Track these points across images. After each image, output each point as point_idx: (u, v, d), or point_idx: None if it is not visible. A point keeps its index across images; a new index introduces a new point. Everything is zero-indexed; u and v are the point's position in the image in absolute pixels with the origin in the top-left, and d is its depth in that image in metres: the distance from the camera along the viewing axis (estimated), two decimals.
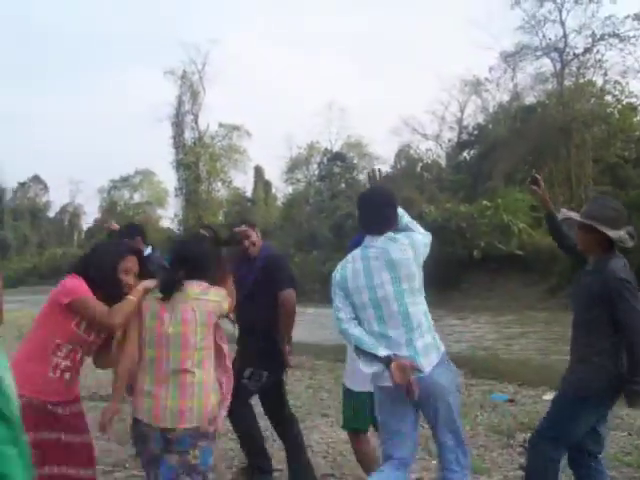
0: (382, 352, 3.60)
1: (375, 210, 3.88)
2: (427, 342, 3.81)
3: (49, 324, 3.45)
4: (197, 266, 3.52)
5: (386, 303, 3.72)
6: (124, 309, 3.43)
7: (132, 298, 3.45)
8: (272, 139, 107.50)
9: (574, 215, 4.11)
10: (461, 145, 52.24)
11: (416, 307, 3.81)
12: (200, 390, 3.40)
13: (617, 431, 7.11)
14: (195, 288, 3.48)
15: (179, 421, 3.34)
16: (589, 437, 4.04)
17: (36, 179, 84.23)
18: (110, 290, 3.51)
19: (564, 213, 4.28)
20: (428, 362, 3.72)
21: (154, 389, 3.38)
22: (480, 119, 53.06)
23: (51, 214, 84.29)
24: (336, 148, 61.07)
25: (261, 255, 5.17)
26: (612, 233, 3.81)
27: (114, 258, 3.59)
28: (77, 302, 3.42)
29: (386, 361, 3.56)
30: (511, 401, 9.20)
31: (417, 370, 3.61)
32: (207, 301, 3.47)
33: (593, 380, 3.84)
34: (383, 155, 60.44)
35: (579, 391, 3.91)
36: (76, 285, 3.45)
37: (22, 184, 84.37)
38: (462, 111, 54.47)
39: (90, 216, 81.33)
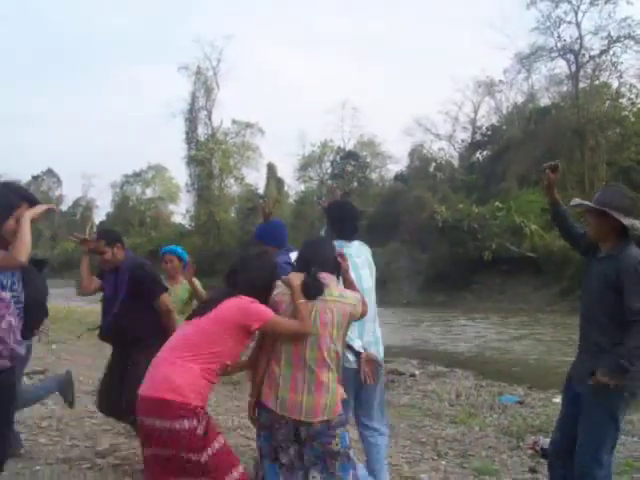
0: (357, 346, 4.06)
1: (353, 220, 4.45)
2: (378, 333, 4.35)
3: (228, 343, 3.41)
4: (327, 266, 3.60)
5: (369, 294, 4.19)
6: (306, 315, 3.42)
7: (304, 302, 3.44)
8: (285, 137, 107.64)
9: (586, 202, 4.04)
10: (474, 146, 52.05)
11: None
12: (333, 387, 3.46)
13: (627, 436, 7.09)
14: (335, 290, 3.53)
15: (314, 415, 3.41)
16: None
17: (50, 173, 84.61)
18: (264, 300, 3.54)
19: (575, 201, 4.21)
20: (380, 350, 4.31)
21: (290, 384, 3.42)
22: (494, 120, 52.90)
23: (64, 208, 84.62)
24: (349, 147, 61.09)
25: (124, 268, 5.13)
26: (625, 220, 3.74)
27: (272, 271, 3.67)
28: (268, 325, 3.44)
29: (357, 354, 4.04)
30: (520, 403, 9.18)
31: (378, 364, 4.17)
32: (345, 304, 3.50)
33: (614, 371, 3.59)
34: (396, 154, 60.44)
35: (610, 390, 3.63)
36: (260, 308, 3.45)
37: (35, 177, 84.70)
38: (476, 112, 54.33)
39: (102, 210, 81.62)
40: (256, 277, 3.55)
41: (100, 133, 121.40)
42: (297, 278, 3.51)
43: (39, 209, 3.69)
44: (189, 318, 3.54)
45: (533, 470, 5.68)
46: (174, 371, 3.25)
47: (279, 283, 3.58)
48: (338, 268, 3.69)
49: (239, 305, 3.43)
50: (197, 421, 3.19)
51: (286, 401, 3.40)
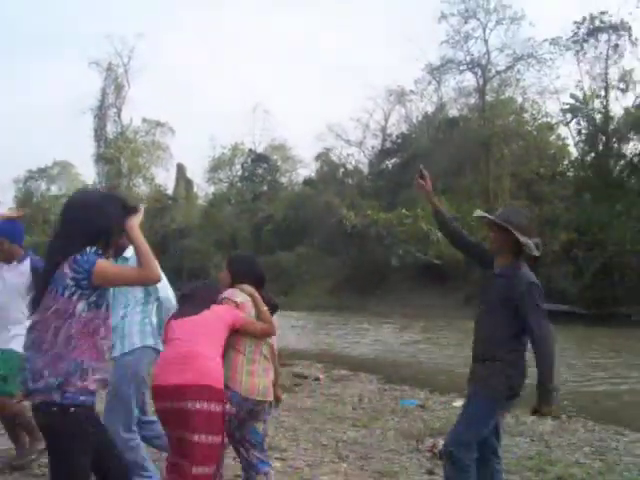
0: None
1: None
2: None
3: (224, 339, 4.02)
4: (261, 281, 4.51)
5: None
6: (271, 319, 4.28)
7: (266, 309, 4.27)
8: (196, 138, 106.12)
9: (489, 216, 4.25)
10: (384, 153, 52.83)
11: None
12: (268, 372, 4.24)
13: (521, 437, 7.33)
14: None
15: (266, 395, 4.14)
16: (492, 435, 4.17)
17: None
18: None
19: (479, 212, 4.43)
20: None
21: (251, 368, 4.12)
22: (404, 128, 53.88)
23: None
24: (260, 150, 60.99)
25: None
26: (523, 238, 3.97)
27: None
28: (245, 325, 4.14)
29: None
30: (421, 407, 9.33)
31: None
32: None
33: (498, 381, 3.97)
34: (306, 159, 60.62)
35: (488, 393, 4.02)
36: (239, 313, 4.13)
37: None
38: (386, 119, 55.14)
39: (4, 206, 78.82)
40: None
41: (4, 128, 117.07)
42: (253, 289, 4.26)
43: (140, 213, 3.17)
44: (179, 316, 4.07)
45: (430, 472, 5.76)
46: (206, 361, 3.80)
47: (240, 292, 4.22)
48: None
49: (228, 308, 4.12)
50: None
51: (248, 383, 4.04)
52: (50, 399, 2.84)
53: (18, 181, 74.52)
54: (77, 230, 3.00)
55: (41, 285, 3.00)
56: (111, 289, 3.32)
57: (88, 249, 2.96)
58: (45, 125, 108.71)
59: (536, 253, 4.03)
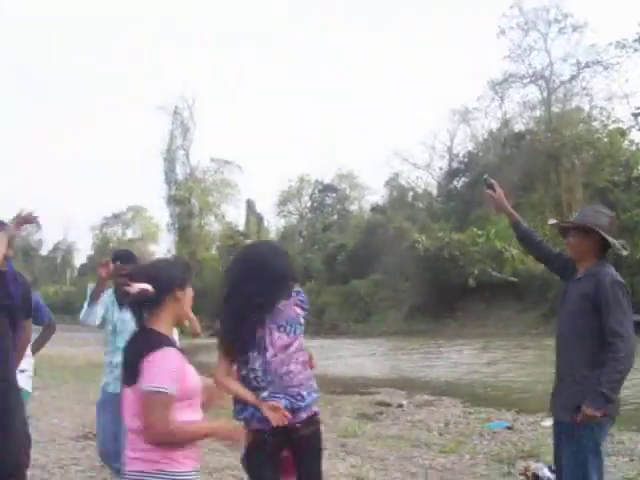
0: None
1: None
2: None
3: None
4: None
5: None
6: None
7: None
8: (263, 172, 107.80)
9: (567, 220, 4.01)
10: (452, 173, 52.44)
11: None
12: None
13: (619, 456, 7.07)
14: None
15: None
16: None
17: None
18: None
19: (553, 221, 4.20)
20: None
21: None
22: (470, 147, 53.38)
23: (44, 252, 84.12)
24: (327, 180, 61.34)
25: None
26: (609, 238, 3.73)
27: None
28: None
29: None
30: (509, 428, 9.14)
31: None
32: None
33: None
34: (374, 186, 60.67)
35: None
36: None
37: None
38: (452, 140, 54.78)
39: (83, 253, 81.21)
40: None
41: (78, 176, 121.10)
42: None
43: None
44: None
45: None
46: None
47: None
48: None
49: None
50: None
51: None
52: (313, 411, 3.49)
53: (95, 228, 76.95)
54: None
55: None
56: None
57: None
58: (117, 172, 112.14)
59: (624, 252, 3.82)
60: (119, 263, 4.92)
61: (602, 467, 3.62)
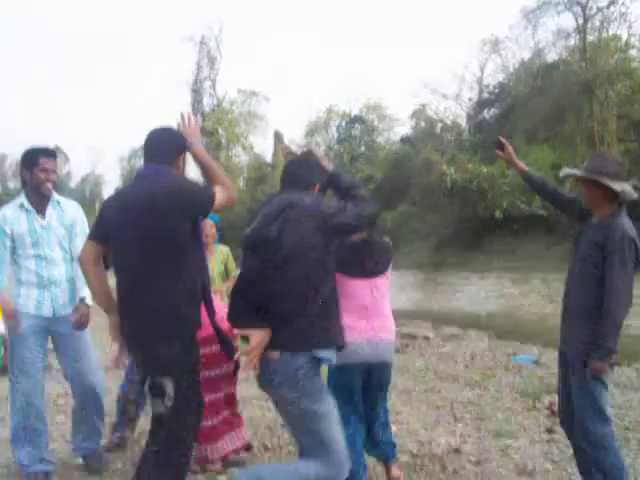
0: None
1: None
2: None
3: None
4: None
5: None
6: None
7: None
8: (290, 103, 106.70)
9: (576, 172, 4.02)
10: (481, 104, 51.52)
11: None
12: None
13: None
14: None
15: None
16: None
17: (57, 150, 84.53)
18: None
19: (565, 171, 4.17)
20: None
21: None
22: (500, 78, 52.24)
23: (72, 184, 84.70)
24: (355, 111, 60.66)
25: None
26: (616, 186, 3.75)
27: None
28: None
29: None
30: (536, 363, 9.15)
31: None
32: None
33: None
34: (403, 117, 59.93)
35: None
36: None
37: None
38: (482, 70, 53.66)
39: (111, 185, 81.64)
40: None
41: (105, 107, 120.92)
42: None
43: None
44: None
45: (550, 430, 5.65)
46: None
47: None
48: None
49: None
50: None
51: None
52: None
53: (122, 159, 77.06)
54: None
55: None
56: None
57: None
58: (145, 103, 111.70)
59: (635, 196, 3.81)
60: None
61: (606, 395, 3.85)
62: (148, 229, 3.32)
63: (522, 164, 4.31)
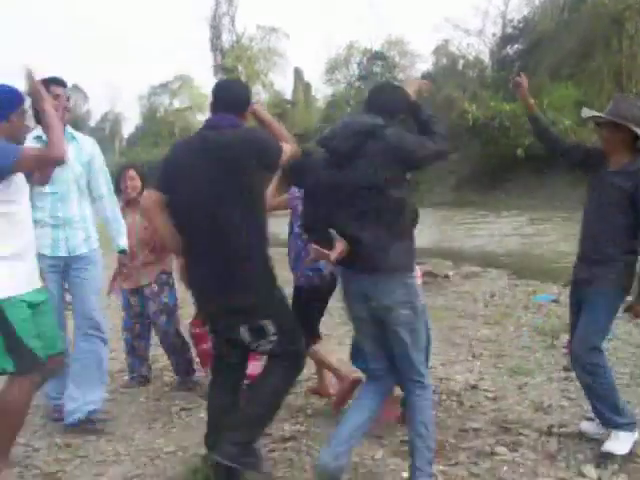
0: None
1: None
2: None
3: None
4: None
5: None
6: None
7: None
8: (310, 40, 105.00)
9: (599, 113, 3.99)
10: (505, 40, 50.36)
11: None
12: None
13: None
14: None
15: None
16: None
17: (75, 88, 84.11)
18: None
19: (586, 112, 4.14)
20: None
21: None
22: (525, 12, 50.91)
23: (92, 123, 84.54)
24: (376, 47, 59.65)
25: None
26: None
27: None
28: None
29: None
30: (555, 302, 9.16)
31: None
32: None
33: (616, 282, 3.89)
34: (425, 53, 58.91)
35: (608, 291, 3.91)
36: None
37: None
38: (506, 4, 52.32)
39: (131, 123, 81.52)
40: None
41: (124, 45, 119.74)
42: None
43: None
44: None
45: (567, 368, 5.68)
46: None
47: None
48: None
49: None
50: None
51: None
52: None
53: (142, 97, 76.73)
54: None
55: None
56: None
57: None
58: (163, 41, 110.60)
59: None
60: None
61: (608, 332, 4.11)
62: (227, 179, 3.37)
63: (532, 101, 4.36)
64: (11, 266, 3.41)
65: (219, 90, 3.65)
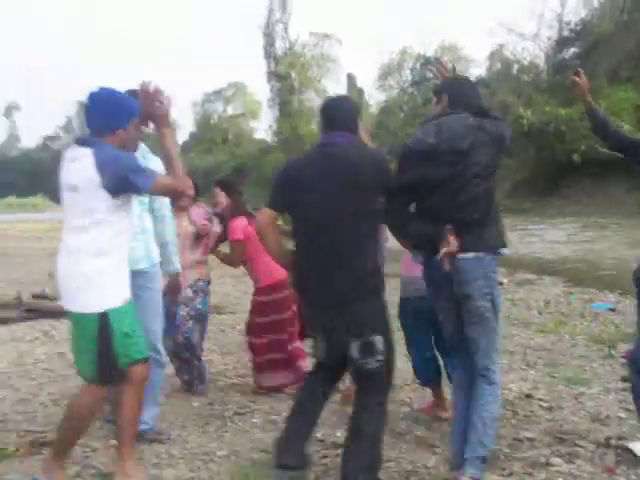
0: None
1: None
2: None
3: None
4: None
5: None
6: None
7: None
8: (363, 46, 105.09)
9: None
10: (561, 43, 49.55)
11: None
12: None
13: None
14: None
15: None
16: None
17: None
18: None
19: None
20: None
21: None
22: (583, 14, 49.99)
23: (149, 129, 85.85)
24: (430, 53, 59.33)
25: None
26: None
27: None
28: None
29: None
30: (613, 310, 8.97)
31: None
32: None
33: None
34: (479, 58, 58.36)
35: None
36: None
37: None
38: (563, 6, 51.44)
39: (184, 129, 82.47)
40: None
41: (177, 52, 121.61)
42: None
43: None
44: None
45: (625, 379, 5.55)
46: None
47: None
48: None
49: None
50: None
51: None
52: None
53: (196, 104, 77.65)
54: None
55: None
56: None
57: None
58: (217, 48, 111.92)
59: None
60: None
61: None
62: (352, 195, 3.46)
63: (590, 98, 4.36)
64: (118, 275, 3.47)
65: (332, 109, 3.72)
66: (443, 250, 3.42)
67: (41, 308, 9.03)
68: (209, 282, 5.68)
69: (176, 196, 3.72)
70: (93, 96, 3.52)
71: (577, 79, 4.31)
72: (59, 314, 8.74)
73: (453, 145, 3.47)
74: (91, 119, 3.51)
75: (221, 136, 71.00)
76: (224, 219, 5.67)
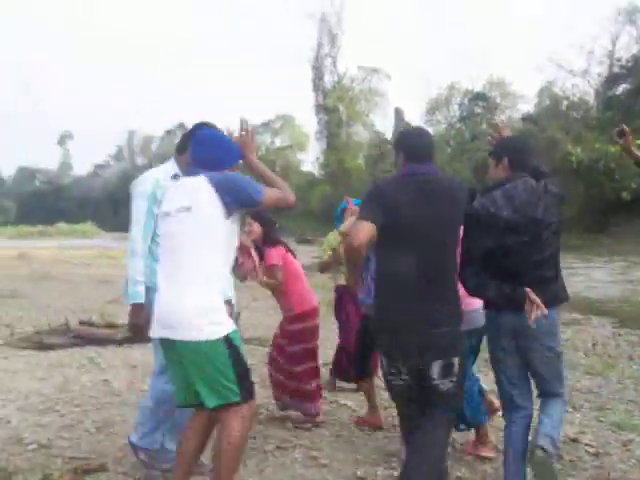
0: None
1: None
2: None
3: None
4: None
5: None
6: None
7: None
8: (411, 80, 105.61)
9: None
10: (611, 79, 49.19)
11: None
12: None
13: None
14: None
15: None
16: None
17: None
18: None
19: None
20: None
21: None
22: (634, 50, 49.62)
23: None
24: (478, 88, 59.37)
25: None
26: None
27: None
28: None
29: None
30: None
31: None
32: None
33: None
34: (527, 94, 58.20)
35: None
36: None
37: (168, 131, 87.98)
38: (614, 43, 51.18)
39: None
40: None
41: (226, 84, 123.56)
42: None
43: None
44: None
45: None
46: None
47: None
48: None
49: None
50: None
51: None
52: None
53: None
54: None
55: None
56: None
57: None
58: (266, 81, 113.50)
59: None
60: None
61: None
62: (452, 225, 3.61)
63: (635, 153, 4.34)
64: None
65: (419, 141, 3.75)
66: (534, 312, 3.47)
67: (88, 335, 9.14)
68: (239, 314, 5.77)
69: (286, 206, 3.75)
70: (200, 137, 3.72)
71: (621, 141, 4.29)
72: (105, 341, 8.89)
73: (529, 216, 3.62)
74: (199, 160, 3.61)
75: (269, 167, 71.55)
76: (258, 248, 5.77)
